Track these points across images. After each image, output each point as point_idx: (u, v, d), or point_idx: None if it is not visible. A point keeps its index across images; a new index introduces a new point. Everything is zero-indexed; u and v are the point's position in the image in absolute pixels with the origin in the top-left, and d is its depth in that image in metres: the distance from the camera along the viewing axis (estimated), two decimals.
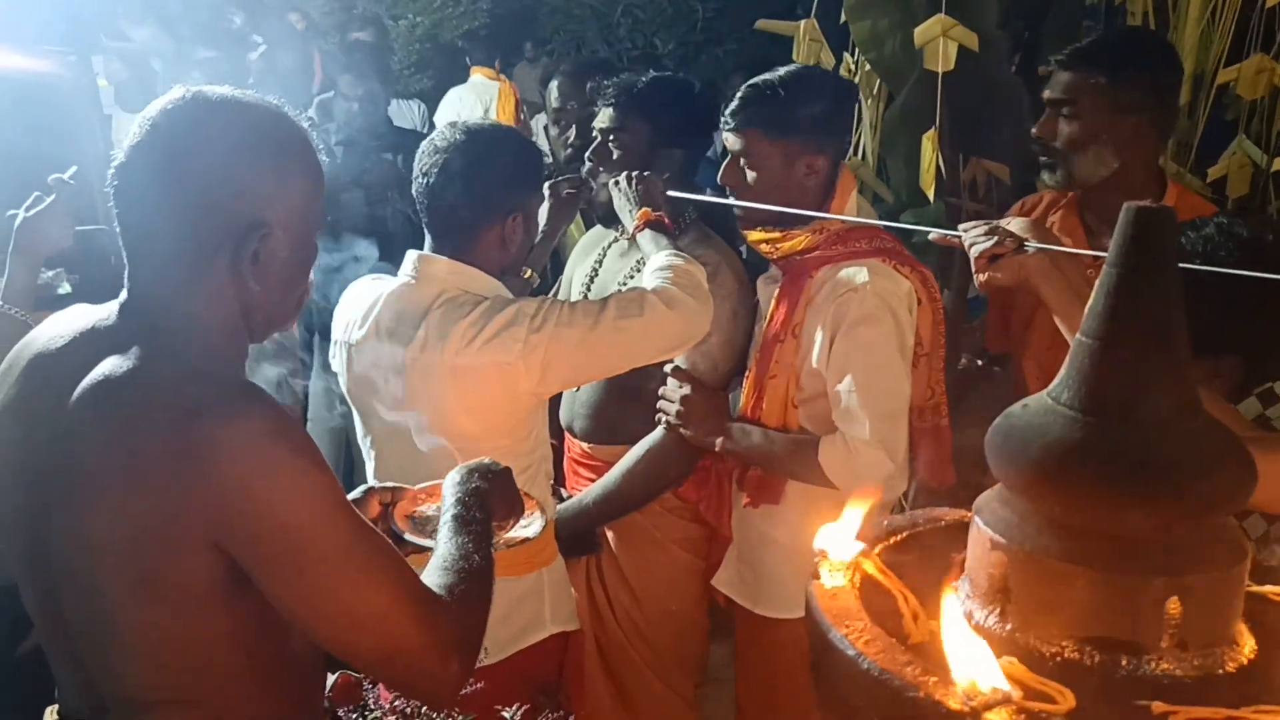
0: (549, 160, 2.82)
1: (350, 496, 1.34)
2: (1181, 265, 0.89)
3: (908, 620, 0.90)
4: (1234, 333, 1.42)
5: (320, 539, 0.98)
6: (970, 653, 0.76)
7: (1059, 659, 0.86)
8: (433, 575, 1.07)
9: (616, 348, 1.73)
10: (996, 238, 1.53)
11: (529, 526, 1.33)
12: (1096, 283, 0.89)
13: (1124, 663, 0.85)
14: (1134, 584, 0.85)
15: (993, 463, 0.92)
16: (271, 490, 0.96)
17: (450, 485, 1.23)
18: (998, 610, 0.89)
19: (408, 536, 1.28)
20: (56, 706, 1.16)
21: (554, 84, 2.71)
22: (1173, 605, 0.84)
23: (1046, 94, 1.89)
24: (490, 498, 1.23)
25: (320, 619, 1.00)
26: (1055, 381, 0.91)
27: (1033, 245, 1.52)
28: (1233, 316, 1.38)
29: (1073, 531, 0.87)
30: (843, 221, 1.83)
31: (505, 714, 1.39)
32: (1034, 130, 1.91)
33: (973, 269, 1.57)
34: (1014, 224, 1.57)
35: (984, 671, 0.76)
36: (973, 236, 1.56)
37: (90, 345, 1.05)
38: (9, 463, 1.07)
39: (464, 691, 1.28)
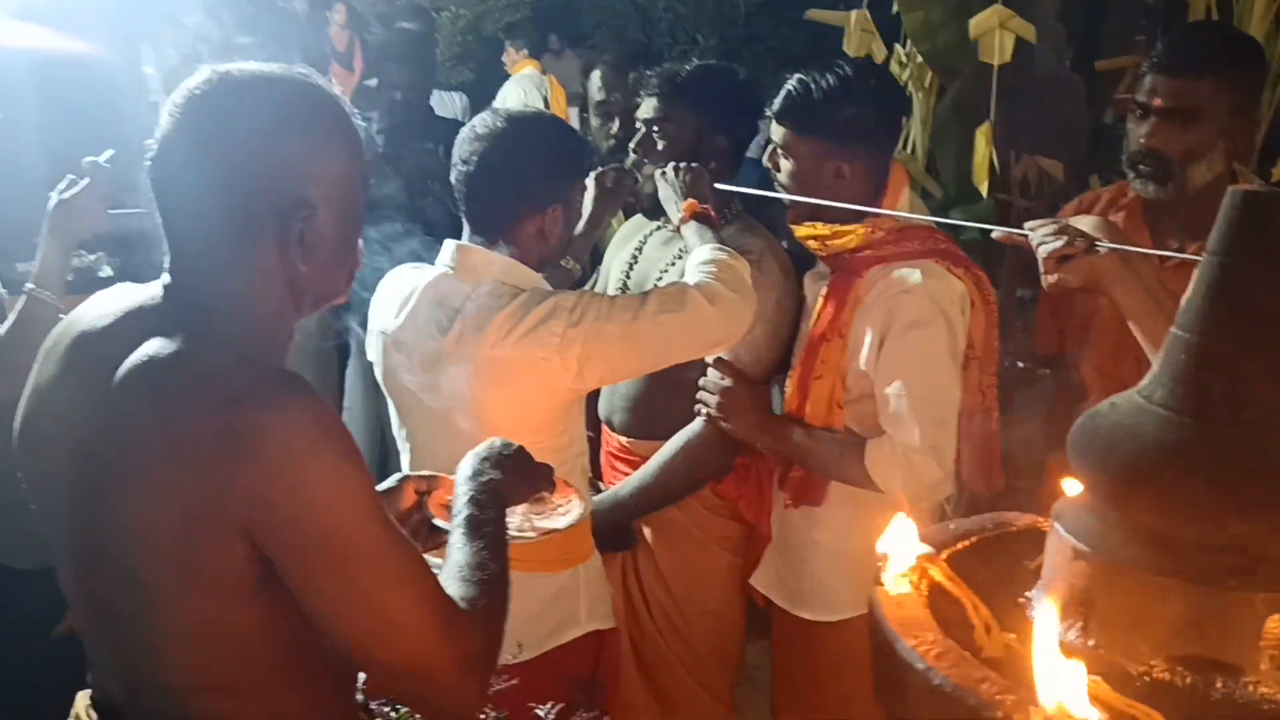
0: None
1: (385, 485, 1.31)
2: None
3: (980, 632, 0.85)
4: None
5: (349, 537, 0.95)
6: (1062, 674, 0.70)
7: (1147, 679, 0.80)
8: (450, 586, 1.02)
9: (656, 343, 1.68)
10: (1066, 238, 1.46)
11: (567, 514, 1.29)
12: (1195, 272, 0.83)
13: (1218, 685, 0.79)
14: (1232, 600, 0.79)
15: (1076, 466, 0.86)
16: (304, 481, 0.93)
17: (461, 480, 1.18)
18: (1080, 624, 0.83)
19: (441, 524, 1.24)
20: (89, 691, 1.14)
21: (595, 74, 2.67)
22: (1274, 624, 0.77)
23: (1157, 102, 1.75)
24: (505, 486, 1.19)
25: (342, 620, 0.97)
26: (1147, 379, 0.85)
27: (1105, 246, 1.44)
28: None
29: (1164, 541, 0.81)
30: (896, 218, 1.77)
31: (540, 712, 1.36)
32: (1142, 143, 1.77)
33: (1040, 270, 1.49)
34: (1083, 223, 1.50)
35: (1073, 695, 0.70)
36: (1041, 236, 1.48)
37: (136, 324, 1.03)
38: (53, 441, 1.05)
39: (498, 687, 1.24)
